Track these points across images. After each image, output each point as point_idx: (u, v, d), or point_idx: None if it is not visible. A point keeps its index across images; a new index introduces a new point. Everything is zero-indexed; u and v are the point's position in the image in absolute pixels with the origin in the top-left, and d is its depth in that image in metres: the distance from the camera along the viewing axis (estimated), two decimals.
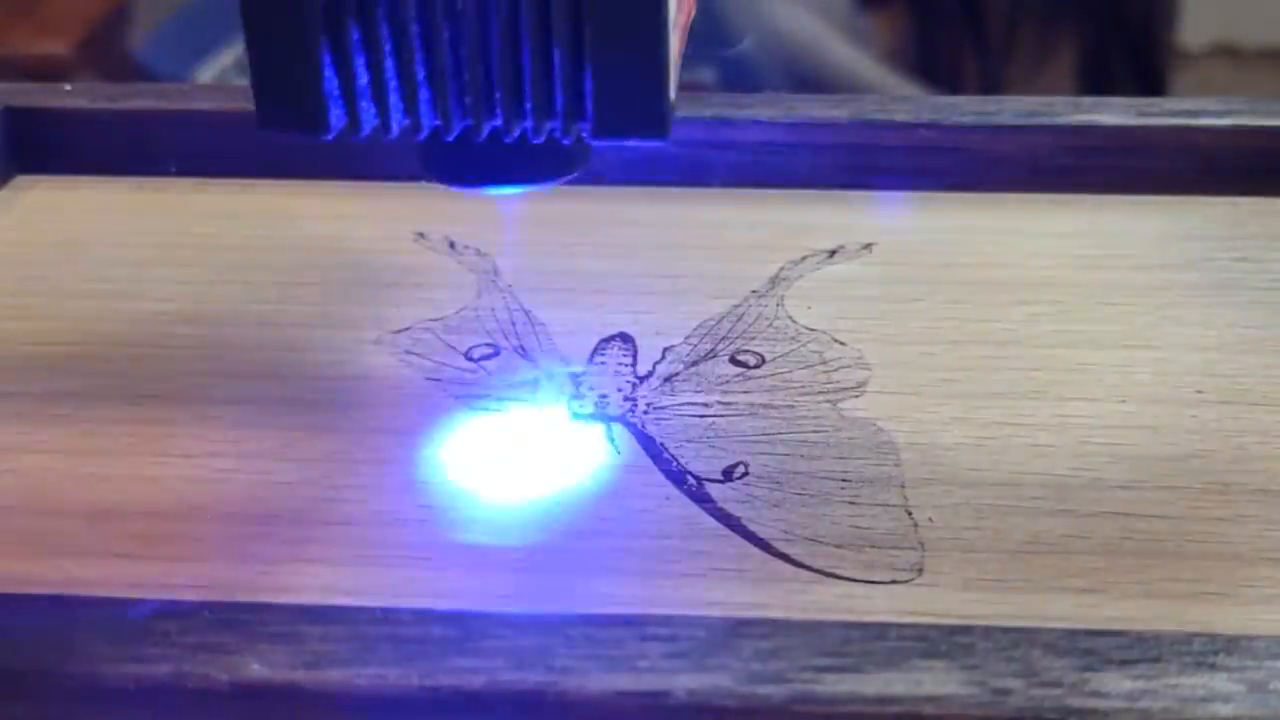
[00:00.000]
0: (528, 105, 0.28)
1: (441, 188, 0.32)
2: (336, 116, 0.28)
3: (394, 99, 0.28)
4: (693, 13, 0.31)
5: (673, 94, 0.29)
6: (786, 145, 0.47)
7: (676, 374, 0.39)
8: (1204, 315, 0.41)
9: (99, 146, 0.49)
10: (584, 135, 0.28)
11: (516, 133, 0.28)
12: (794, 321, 0.41)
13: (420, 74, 0.28)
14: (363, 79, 0.28)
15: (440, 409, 0.38)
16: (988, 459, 0.36)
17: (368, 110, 0.28)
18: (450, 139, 0.29)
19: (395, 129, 0.28)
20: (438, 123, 0.28)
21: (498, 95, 0.28)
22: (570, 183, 0.32)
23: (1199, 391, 0.38)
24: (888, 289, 0.43)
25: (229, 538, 0.34)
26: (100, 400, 0.39)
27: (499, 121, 0.28)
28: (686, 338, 0.41)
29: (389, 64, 0.28)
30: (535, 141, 0.29)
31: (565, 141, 0.29)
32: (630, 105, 0.28)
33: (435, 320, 0.42)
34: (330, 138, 0.28)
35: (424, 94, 0.28)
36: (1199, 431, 0.37)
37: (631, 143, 0.28)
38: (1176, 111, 0.47)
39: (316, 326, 0.42)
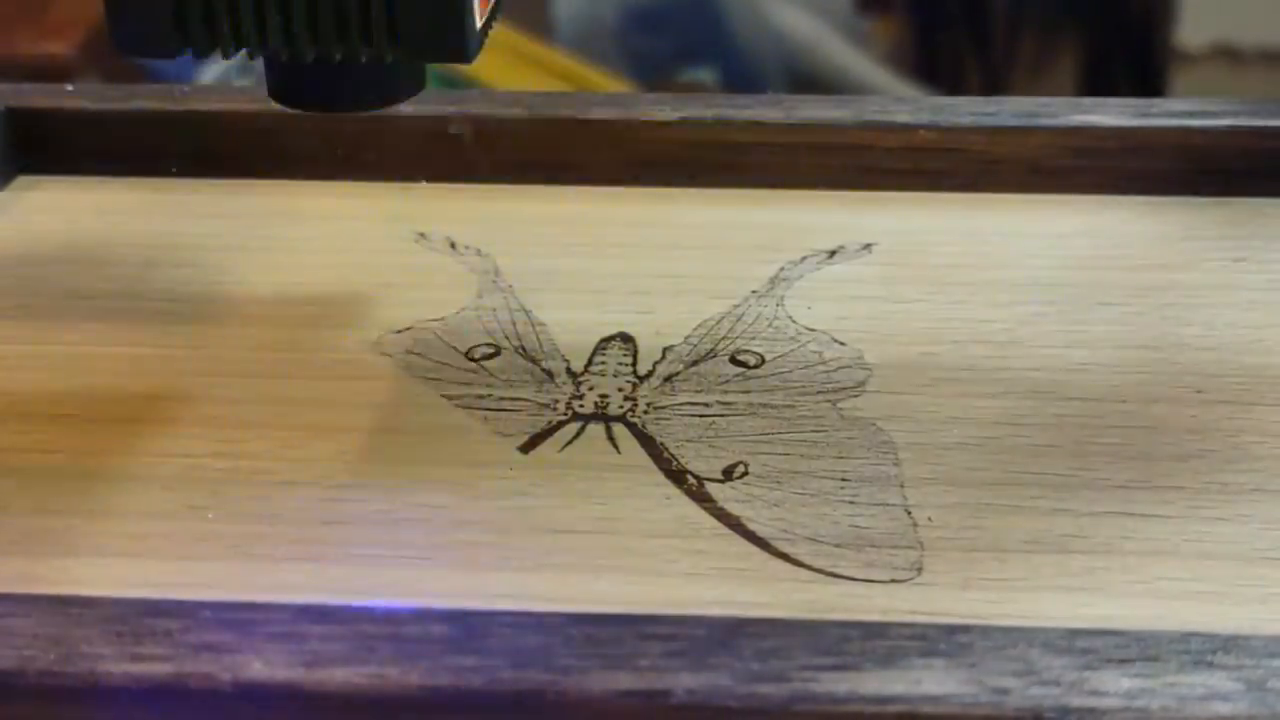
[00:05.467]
0: (346, 31, 0.32)
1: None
2: (180, 42, 0.32)
3: (228, 26, 0.32)
4: None
5: (479, 21, 0.33)
6: (786, 145, 0.47)
7: (676, 374, 0.39)
8: (1204, 315, 0.41)
9: (100, 147, 0.49)
10: (397, 58, 0.33)
11: (339, 56, 0.32)
12: (794, 321, 0.42)
13: (250, 2, 0.32)
14: (200, 7, 0.32)
15: (440, 409, 0.38)
16: (988, 459, 0.36)
17: (209, 37, 0.32)
18: (282, 62, 0.33)
19: (233, 53, 0.33)
20: (270, 48, 0.32)
21: (319, 22, 0.32)
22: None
23: (1199, 391, 0.38)
24: (888, 289, 0.43)
25: (229, 538, 0.34)
26: (100, 400, 0.39)
27: (322, 46, 0.32)
28: (686, 338, 0.41)
29: None
30: (356, 64, 0.33)
31: (381, 63, 0.33)
32: (435, 29, 0.32)
33: (435, 320, 0.42)
34: (175, 60, 0.33)
35: (254, 21, 0.32)
36: (1199, 431, 0.37)
37: (436, 62, 0.33)
38: (1176, 112, 0.47)
39: (316, 326, 0.42)
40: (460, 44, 0.32)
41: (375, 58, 0.33)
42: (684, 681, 0.27)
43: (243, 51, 0.33)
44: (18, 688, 0.28)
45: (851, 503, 0.34)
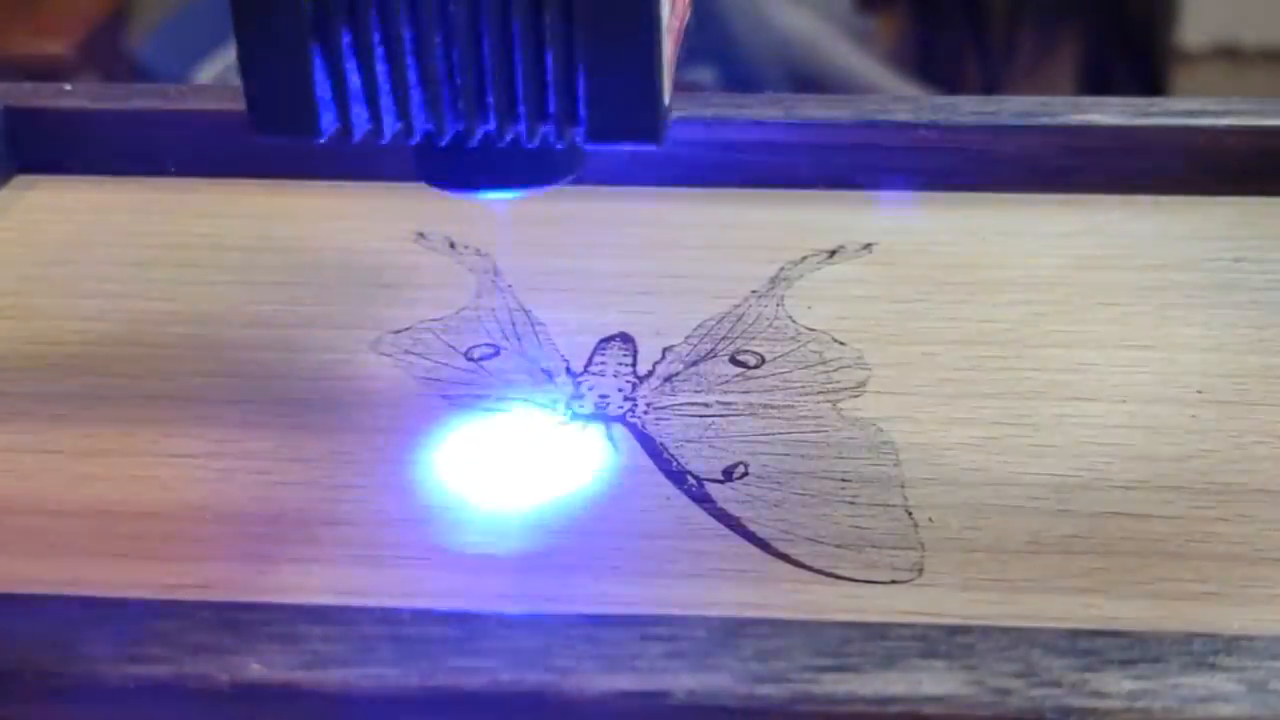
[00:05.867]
0: (520, 109, 0.28)
1: (444, 193, 0.32)
2: (329, 120, 0.28)
3: (386, 103, 0.28)
4: (687, 16, 0.31)
5: (667, 98, 0.28)
6: (786, 145, 0.47)
7: (676, 374, 0.39)
8: (1204, 315, 0.41)
9: (99, 146, 0.49)
10: (577, 140, 0.28)
11: (509, 137, 0.28)
12: (794, 321, 0.41)
13: (412, 78, 0.28)
14: (354, 82, 0.28)
15: (440, 409, 0.38)
16: (988, 459, 0.36)
17: (360, 114, 0.28)
18: (443, 143, 0.29)
19: (388, 133, 0.28)
20: (430, 127, 0.28)
21: (490, 99, 0.28)
22: (568, 183, 0.32)
23: (1199, 391, 0.38)
24: (888, 289, 0.43)
25: (229, 538, 0.34)
26: (100, 400, 0.39)
27: (491, 125, 0.28)
28: (686, 338, 0.41)
29: (381, 68, 0.28)
30: (528, 146, 0.28)
31: (558, 146, 0.28)
32: (623, 109, 0.28)
33: (435, 320, 0.42)
34: (323, 141, 0.28)
35: (416, 97, 0.28)
36: (1199, 431, 0.37)
37: (625, 147, 0.28)
38: (1176, 111, 0.47)
39: (316, 326, 0.42)
40: (650, 124, 0.28)
41: (551, 139, 0.28)
42: (684, 682, 0.27)
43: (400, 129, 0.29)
44: (17, 688, 0.28)
45: (852, 503, 0.34)
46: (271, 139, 0.28)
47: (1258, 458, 0.36)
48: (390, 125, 0.28)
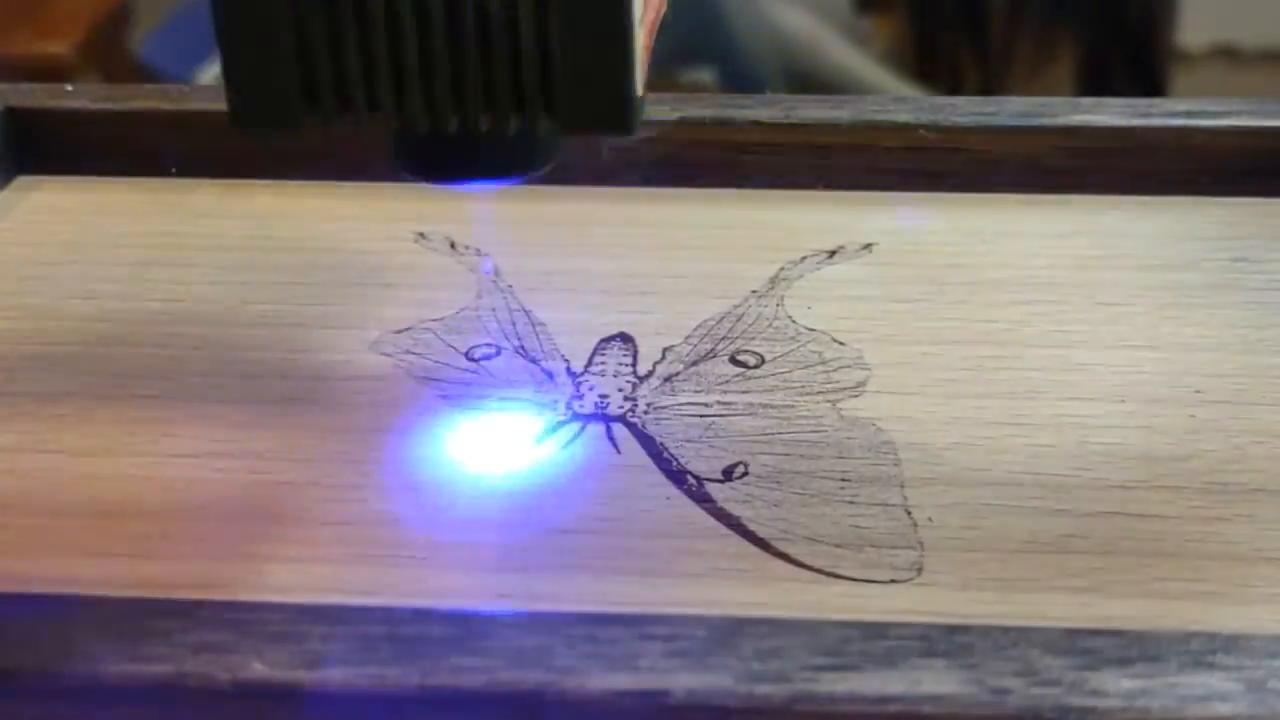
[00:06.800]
0: (495, 99, 0.28)
1: (426, 186, 0.32)
2: (307, 112, 0.28)
3: (362, 95, 0.28)
4: (662, 9, 0.32)
5: (640, 88, 0.29)
6: (786, 145, 0.47)
7: (676, 374, 0.39)
8: (1204, 315, 0.41)
9: (99, 147, 0.49)
10: (550, 129, 0.29)
11: (484, 127, 0.29)
12: (794, 321, 0.42)
13: (388, 70, 0.28)
14: (331, 76, 0.28)
15: (440, 409, 0.38)
16: (988, 459, 0.36)
17: (337, 107, 0.29)
18: (420, 133, 0.29)
19: (365, 125, 0.29)
20: (407, 118, 0.29)
21: (466, 89, 0.28)
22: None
23: (1199, 391, 0.38)
24: (888, 289, 0.43)
25: (229, 538, 0.34)
26: (100, 400, 0.39)
27: (467, 116, 0.29)
28: (686, 338, 0.41)
29: (357, 60, 0.28)
30: (503, 136, 0.29)
31: (533, 135, 0.29)
32: (596, 99, 0.28)
33: (435, 320, 0.42)
34: (301, 132, 0.29)
35: (392, 89, 0.28)
36: (1199, 431, 0.37)
37: (598, 136, 0.29)
38: (1176, 112, 0.47)
39: (316, 326, 0.42)
40: (621, 114, 0.28)
41: (525, 129, 0.29)
42: (684, 681, 0.27)
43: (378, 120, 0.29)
44: (18, 688, 0.28)
45: (851, 503, 0.34)
46: (252, 133, 0.28)
47: (1256, 457, 0.36)
48: (367, 117, 0.29)
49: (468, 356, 0.40)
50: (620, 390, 0.39)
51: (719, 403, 0.38)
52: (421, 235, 0.46)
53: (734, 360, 0.40)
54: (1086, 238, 0.45)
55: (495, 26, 0.28)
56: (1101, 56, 1.53)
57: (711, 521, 0.34)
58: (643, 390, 0.39)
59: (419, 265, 0.45)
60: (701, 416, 0.38)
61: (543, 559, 0.33)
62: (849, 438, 0.37)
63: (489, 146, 0.30)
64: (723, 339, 0.41)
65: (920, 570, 0.32)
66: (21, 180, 0.49)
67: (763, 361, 0.40)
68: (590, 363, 0.40)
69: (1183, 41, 1.58)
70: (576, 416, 0.38)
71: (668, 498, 0.35)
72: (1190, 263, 0.44)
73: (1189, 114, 0.47)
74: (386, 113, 0.29)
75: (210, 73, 1.01)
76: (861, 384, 0.39)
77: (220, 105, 0.49)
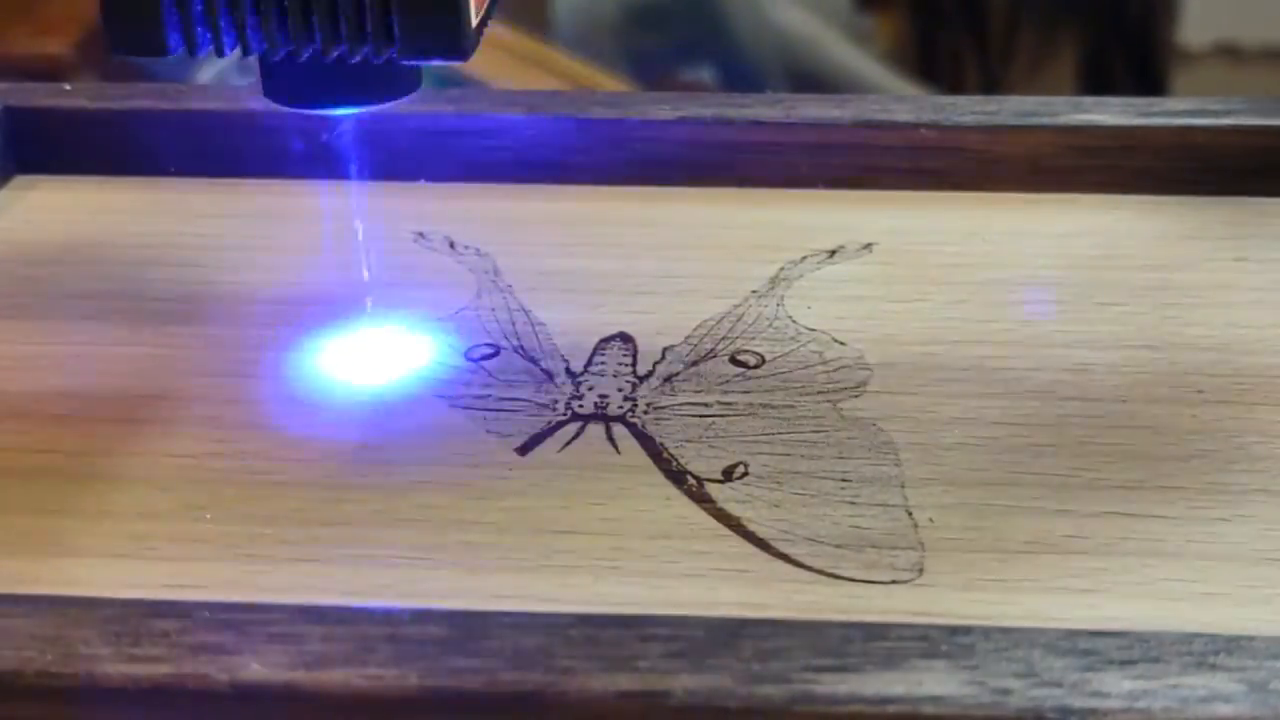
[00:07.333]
0: (342, 30, 0.32)
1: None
2: (175, 41, 0.32)
3: (225, 24, 0.32)
4: None
5: (475, 20, 0.32)
6: (786, 145, 0.47)
7: (676, 374, 0.39)
8: (1204, 315, 0.41)
9: (99, 146, 0.49)
10: (392, 57, 0.32)
11: (334, 55, 0.32)
12: (794, 321, 0.41)
13: (247, 2, 0.32)
14: (197, 6, 0.32)
15: (440, 409, 0.38)
16: (988, 459, 0.36)
17: (202, 35, 0.32)
18: (275, 61, 0.33)
19: (227, 52, 0.32)
20: (264, 47, 0.32)
21: (314, 20, 0.32)
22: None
23: (1199, 391, 0.38)
24: (888, 289, 0.43)
25: (228, 538, 0.34)
26: (100, 400, 0.39)
27: (318, 45, 0.32)
28: (686, 338, 0.41)
29: None
30: (352, 63, 0.32)
31: (376, 62, 0.32)
32: (432, 29, 0.32)
33: (436, 320, 0.42)
34: (170, 57, 0.32)
35: (251, 20, 0.32)
36: (1199, 431, 0.37)
37: (435, 63, 0.33)
38: (1176, 111, 0.47)
39: (316, 326, 0.42)
40: (456, 42, 0.32)
41: (371, 57, 0.32)
42: (684, 682, 0.27)
43: (237, 50, 0.33)
44: (17, 688, 0.28)
45: (852, 503, 0.34)
46: (129, 57, 0.32)
47: (1259, 458, 0.36)
48: (229, 45, 0.32)
49: (467, 356, 0.40)
50: (620, 390, 0.39)
51: (719, 403, 0.38)
52: (421, 235, 0.46)
53: (734, 360, 0.40)
54: (1087, 237, 0.45)
55: None
56: (1102, 55, 1.53)
57: (711, 522, 0.34)
58: (642, 390, 0.39)
59: (419, 265, 0.45)
60: (701, 417, 0.38)
61: (542, 559, 0.33)
62: (850, 438, 0.37)
63: (352, 75, 0.34)
64: (723, 339, 0.41)
65: (921, 571, 0.32)
66: (20, 180, 0.49)
67: (763, 361, 0.40)
68: (590, 363, 0.40)
69: (1184, 40, 1.58)
70: (576, 417, 0.38)
71: (667, 498, 0.35)
72: (1190, 262, 0.44)
73: (1190, 113, 0.47)
74: (245, 43, 0.32)
75: (210, 72, 1.01)
76: (862, 384, 0.39)
77: (220, 105, 0.49)
